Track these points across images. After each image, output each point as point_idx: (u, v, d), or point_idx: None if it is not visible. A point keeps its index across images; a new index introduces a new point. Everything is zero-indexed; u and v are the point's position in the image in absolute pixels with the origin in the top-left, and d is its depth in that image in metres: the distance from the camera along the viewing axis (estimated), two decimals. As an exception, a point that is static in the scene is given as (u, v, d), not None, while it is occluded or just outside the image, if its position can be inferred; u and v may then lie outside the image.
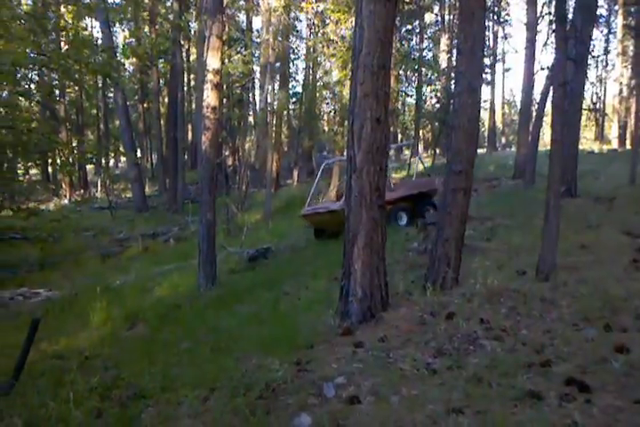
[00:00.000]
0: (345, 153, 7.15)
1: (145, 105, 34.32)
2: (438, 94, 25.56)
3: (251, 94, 33.47)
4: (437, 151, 23.40)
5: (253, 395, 3.95)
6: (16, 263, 13.63)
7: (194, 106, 31.17)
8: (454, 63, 7.98)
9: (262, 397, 3.93)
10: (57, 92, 26.64)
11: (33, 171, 29.40)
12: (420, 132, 34.35)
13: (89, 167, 37.42)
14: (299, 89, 27.92)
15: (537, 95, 18.55)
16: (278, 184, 21.66)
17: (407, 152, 35.67)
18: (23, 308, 9.56)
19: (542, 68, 19.26)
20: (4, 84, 6.26)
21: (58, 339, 7.08)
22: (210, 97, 9.06)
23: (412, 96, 28.87)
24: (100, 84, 29.82)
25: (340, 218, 8.95)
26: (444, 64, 27.41)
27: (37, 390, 4.70)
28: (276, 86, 24.00)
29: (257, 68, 26.68)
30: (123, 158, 41.42)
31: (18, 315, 8.91)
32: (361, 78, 5.21)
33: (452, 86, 18.93)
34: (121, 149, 27.70)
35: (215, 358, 5.28)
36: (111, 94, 33.01)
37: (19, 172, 15.38)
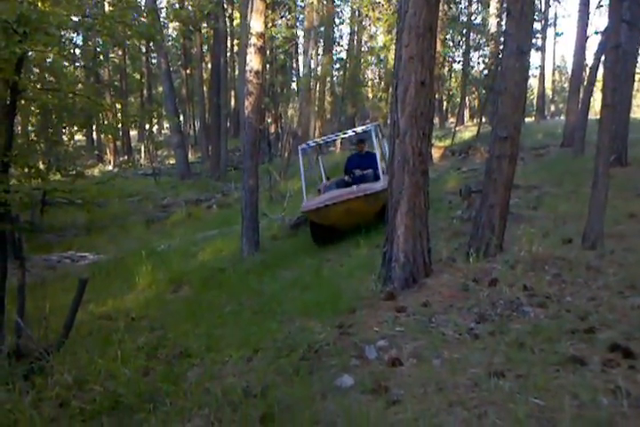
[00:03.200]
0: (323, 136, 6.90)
1: (188, 71, 34.38)
2: (486, 60, 24.89)
3: (294, 60, 33.23)
4: (483, 119, 22.85)
5: (296, 356, 4.02)
6: (63, 227, 14.02)
7: (237, 72, 31.12)
8: (504, 28, 7.76)
9: (305, 358, 4.00)
10: (101, 57, 26.85)
11: (77, 137, 29.88)
12: (466, 99, 33.65)
13: (132, 134, 37.92)
14: (343, 55, 27.50)
15: (589, 61, 17.84)
16: (321, 152, 21.55)
17: (452, 120, 35.11)
18: (70, 270, 9.82)
19: (596, 33, 18.47)
20: (49, 48, 6.33)
21: (105, 301, 7.29)
22: (253, 61, 9.00)
23: (458, 62, 28.16)
24: (144, 50, 29.92)
25: (380, 203, 8.09)
26: (493, 29, 26.60)
27: (86, 349, 4.88)
28: (320, 51, 23.69)
29: (301, 33, 26.40)
30: (165, 125, 41.77)
31: (65, 277, 9.16)
32: (406, 40, 5.09)
33: (501, 51, 18.38)
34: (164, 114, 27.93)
35: (258, 320, 5.38)
36: (154, 60, 33.17)
37: (64, 137, 15.63)
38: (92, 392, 4.05)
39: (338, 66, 28.80)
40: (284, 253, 8.63)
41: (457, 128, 24.22)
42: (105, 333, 5.47)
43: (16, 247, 5.23)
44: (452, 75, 32.96)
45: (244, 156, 9.33)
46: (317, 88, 22.71)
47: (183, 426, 3.36)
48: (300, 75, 27.99)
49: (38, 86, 5.65)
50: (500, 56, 8.33)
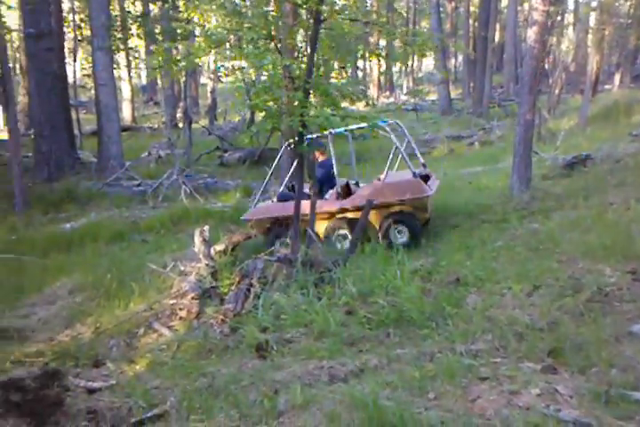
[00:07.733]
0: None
1: (453, 4, 33.33)
2: None
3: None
4: None
5: (583, 297, 3.85)
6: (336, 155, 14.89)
7: (504, 3, 29.39)
8: None
9: (593, 300, 3.83)
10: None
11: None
12: None
13: (394, 70, 38.46)
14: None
15: None
16: (596, 89, 19.70)
17: None
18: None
19: None
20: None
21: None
22: (541, -14, 8.33)
23: None
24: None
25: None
26: None
27: (370, 266, 5.19)
28: (607, -24, 21.17)
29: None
30: (427, 60, 41.44)
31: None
32: None
33: None
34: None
35: (534, 257, 5.21)
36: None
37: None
38: (376, 305, 4.33)
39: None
40: (556, 193, 8.14)
41: None
42: (383, 253, 5.71)
43: (308, 167, 5.70)
44: None
45: (521, 89, 8.84)
46: (598, 17, 20.47)
47: (467, 347, 3.43)
48: (579, 2, 25.47)
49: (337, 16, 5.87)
50: None
